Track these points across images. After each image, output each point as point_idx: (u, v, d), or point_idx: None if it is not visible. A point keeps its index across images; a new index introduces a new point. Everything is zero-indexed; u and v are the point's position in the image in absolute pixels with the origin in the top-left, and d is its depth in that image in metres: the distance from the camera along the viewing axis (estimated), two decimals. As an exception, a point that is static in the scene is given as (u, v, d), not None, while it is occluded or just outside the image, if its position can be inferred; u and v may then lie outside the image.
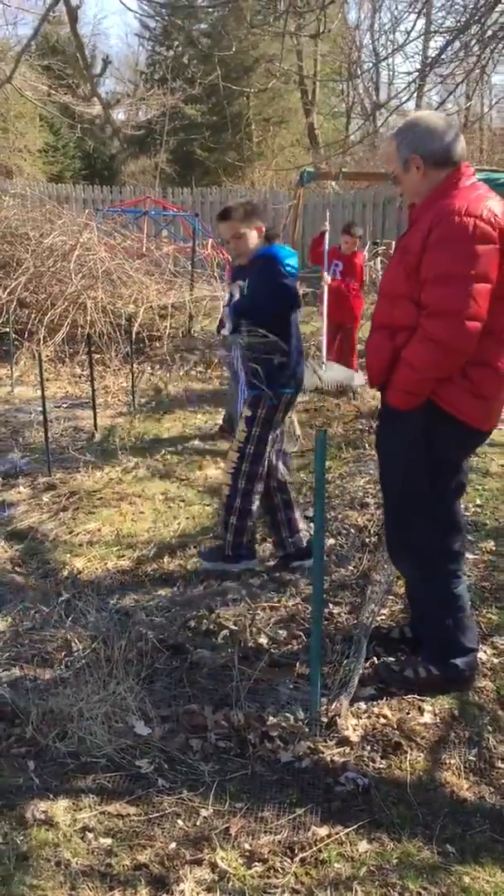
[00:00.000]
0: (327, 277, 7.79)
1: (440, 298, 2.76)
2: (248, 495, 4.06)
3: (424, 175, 2.89)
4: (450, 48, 7.12)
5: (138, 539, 4.56)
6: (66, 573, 4.17)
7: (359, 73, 17.21)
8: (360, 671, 3.17)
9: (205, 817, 2.54)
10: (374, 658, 3.34)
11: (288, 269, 3.82)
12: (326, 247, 7.82)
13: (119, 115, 24.90)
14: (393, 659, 3.32)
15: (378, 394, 3.25)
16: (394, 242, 9.29)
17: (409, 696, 3.11)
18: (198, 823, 2.52)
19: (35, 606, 3.82)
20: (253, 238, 3.89)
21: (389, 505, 3.23)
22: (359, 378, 7.55)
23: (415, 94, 8.73)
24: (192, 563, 4.29)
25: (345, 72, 22.11)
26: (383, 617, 3.71)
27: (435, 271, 2.76)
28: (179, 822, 2.52)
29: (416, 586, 3.28)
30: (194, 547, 4.44)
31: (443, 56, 7.16)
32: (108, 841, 2.45)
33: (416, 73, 8.14)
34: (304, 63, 22.22)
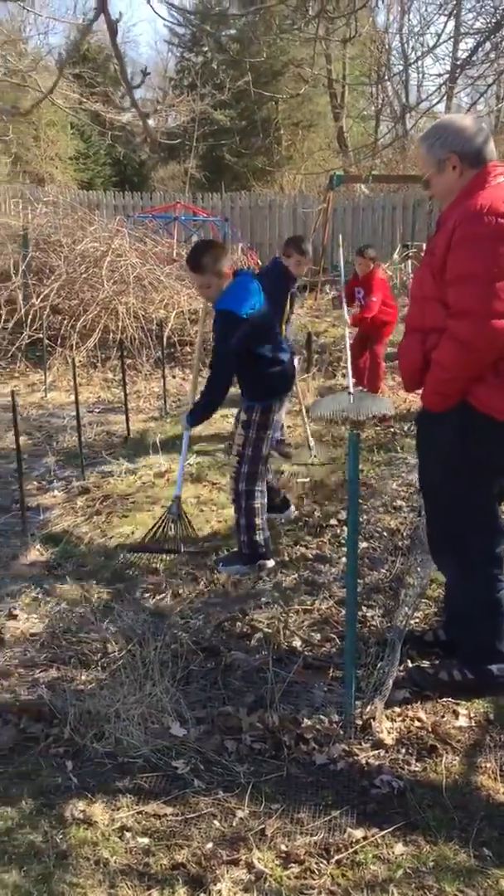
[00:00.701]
0: (345, 315, 7.71)
1: (463, 298, 2.77)
2: (251, 495, 4.26)
3: (461, 174, 2.89)
4: (480, 50, 7.10)
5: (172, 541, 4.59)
6: (100, 576, 4.22)
7: (388, 76, 17.17)
8: (394, 674, 3.17)
9: (241, 818, 2.56)
10: (408, 661, 3.34)
11: (241, 313, 4.00)
12: (342, 284, 7.75)
13: (149, 121, 25.10)
14: (427, 662, 3.32)
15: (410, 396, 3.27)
16: (424, 245, 9.26)
17: (444, 699, 3.11)
18: (234, 824, 2.54)
19: (71, 609, 3.87)
20: (217, 285, 4.09)
21: (429, 505, 3.24)
22: (389, 405, 7.46)
23: (445, 97, 8.72)
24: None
25: (374, 75, 22.07)
26: (417, 620, 3.71)
27: (457, 271, 2.77)
28: (216, 822, 2.54)
29: (455, 588, 3.28)
30: (226, 550, 4.47)
31: (473, 58, 7.15)
32: (146, 840, 2.48)
33: (447, 76, 8.13)
34: (333, 66, 22.24)
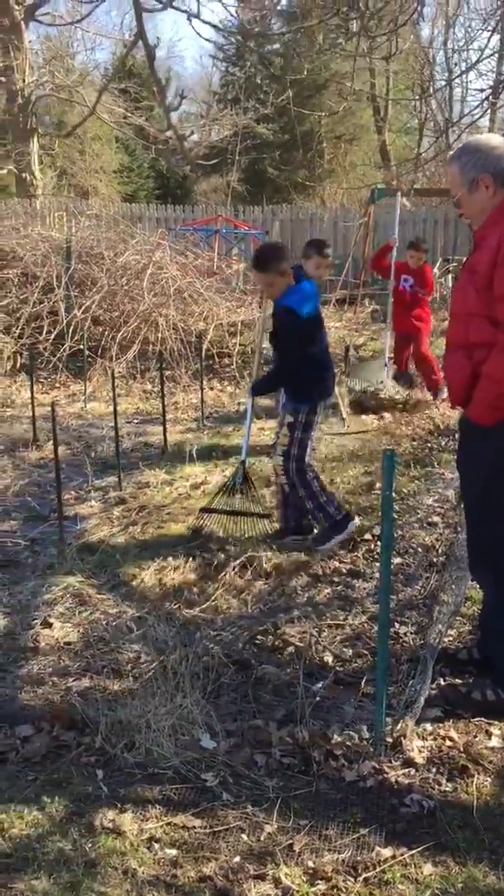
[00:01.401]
0: (391, 282, 7.88)
1: None
2: (304, 478, 4.61)
3: (494, 193, 2.91)
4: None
5: (206, 553, 4.61)
6: (135, 586, 4.25)
7: (431, 90, 17.14)
8: (426, 692, 3.15)
9: (269, 833, 2.55)
10: (441, 679, 3.31)
11: (302, 313, 4.41)
12: (393, 260, 7.85)
13: (193, 135, 25.35)
14: (460, 681, 3.29)
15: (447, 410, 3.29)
16: (465, 259, 9.23)
17: (477, 719, 3.08)
18: (262, 838, 2.53)
19: (105, 619, 3.90)
20: (280, 283, 4.46)
21: (471, 520, 3.23)
22: (383, 373, 7.66)
23: (487, 111, 8.70)
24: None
25: (417, 89, 22.06)
26: (451, 638, 3.68)
27: None
28: (244, 836, 2.55)
29: (493, 606, 3.24)
30: (265, 560, 4.47)
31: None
32: (174, 852, 2.49)
33: (490, 90, 8.09)
34: (377, 81, 22.26)
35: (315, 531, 4.78)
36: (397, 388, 7.81)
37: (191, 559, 4.50)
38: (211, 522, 4.82)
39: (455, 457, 6.16)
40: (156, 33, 37.99)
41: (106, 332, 9.53)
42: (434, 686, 3.24)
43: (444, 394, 7.61)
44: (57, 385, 9.12)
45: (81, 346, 8.96)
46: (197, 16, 3.94)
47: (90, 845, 2.50)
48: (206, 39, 28.03)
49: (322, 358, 4.65)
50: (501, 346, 2.83)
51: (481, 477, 3.05)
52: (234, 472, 4.94)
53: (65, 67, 20.18)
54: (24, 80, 18.42)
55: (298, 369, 4.53)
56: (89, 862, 2.44)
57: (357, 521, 4.71)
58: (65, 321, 9.39)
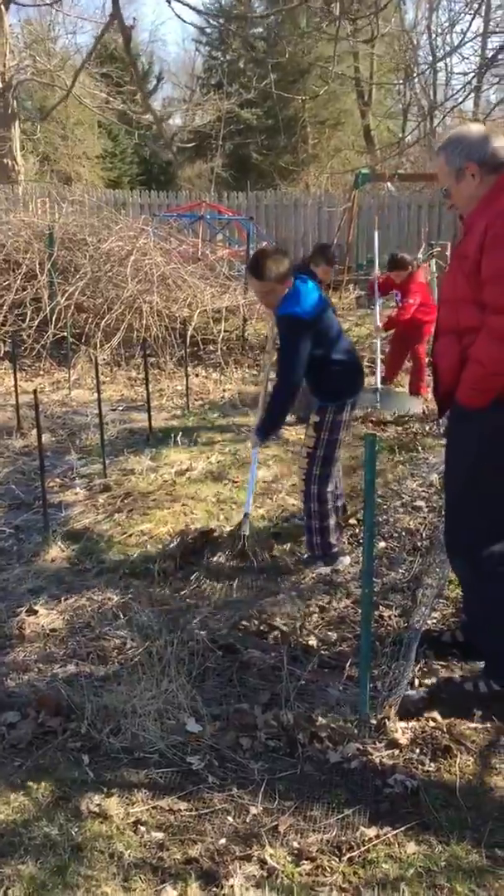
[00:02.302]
0: (378, 324, 7.79)
1: (500, 295, 2.80)
2: (322, 497, 4.23)
3: (481, 181, 2.93)
4: (506, 48, 7.06)
5: (191, 539, 4.62)
6: (120, 573, 4.26)
7: (415, 74, 17.10)
8: (410, 674, 3.18)
9: (254, 815, 2.58)
10: (424, 661, 3.34)
11: (305, 316, 3.99)
12: (376, 274, 7.79)
13: (176, 120, 25.20)
14: (443, 663, 3.32)
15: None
16: (449, 245, 9.21)
17: (458, 699, 3.10)
18: (247, 820, 2.56)
19: (90, 605, 3.91)
20: (279, 291, 4.06)
21: (450, 504, 3.22)
22: (417, 404, 7.38)
23: (470, 95, 8.68)
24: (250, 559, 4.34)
25: (401, 73, 21.99)
26: (434, 620, 3.71)
27: (493, 269, 2.80)
28: (229, 818, 2.57)
29: (472, 594, 3.23)
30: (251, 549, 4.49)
31: (500, 56, 7.11)
32: (160, 835, 2.50)
33: (473, 74, 8.08)
34: (361, 64, 22.17)
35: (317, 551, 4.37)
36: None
37: (176, 546, 4.50)
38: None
39: (438, 441, 6.21)
40: (138, 17, 37.67)
41: (90, 319, 9.49)
42: (418, 668, 3.27)
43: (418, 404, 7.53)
44: (41, 373, 9.08)
45: (65, 334, 8.92)
46: (177, -2, 3.90)
47: (76, 829, 2.52)
48: (188, 22, 27.72)
49: (346, 353, 4.21)
50: (487, 329, 2.85)
51: (463, 462, 3.06)
52: (240, 523, 4.52)
53: (46, 51, 19.98)
54: (4, 65, 18.22)
55: (317, 373, 4.12)
56: (76, 846, 2.45)
57: (348, 560, 4.34)
58: (48, 308, 9.34)
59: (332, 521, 4.29)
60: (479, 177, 2.93)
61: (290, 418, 6.25)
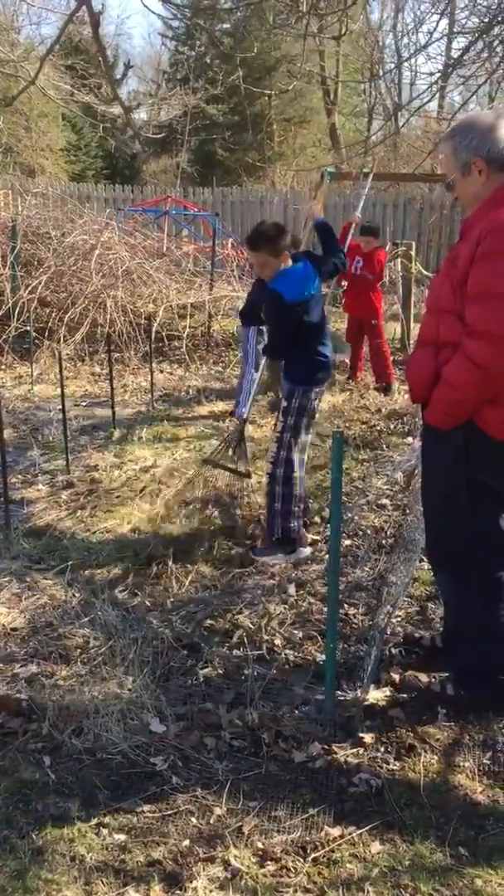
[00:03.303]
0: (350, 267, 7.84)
1: (479, 317, 2.64)
2: (288, 480, 4.31)
3: (488, 178, 2.73)
4: (472, 49, 7.10)
5: (155, 537, 4.58)
6: (83, 571, 4.20)
7: (381, 73, 17.16)
8: (375, 673, 3.17)
9: (218, 815, 2.55)
10: (391, 661, 3.34)
11: (288, 298, 4.12)
12: (349, 239, 7.81)
13: (141, 114, 25.00)
14: (411, 657, 3.32)
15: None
16: (413, 244, 9.25)
17: (424, 698, 3.11)
18: (211, 821, 2.53)
19: (53, 604, 3.85)
20: (274, 264, 4.21)
21: (429, 522, 3.15)
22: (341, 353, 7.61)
23: (435, 95, 8.71)
24: (211, 561, 4.32)
25: (367, 72, 22.05)
26: (399, 618, 3.71)
27: (477, 287, 2.64)
28: (193, 819, 2.54)
29: (452, 605, 3.19)
30: (209, 545, 4.46)
31: (465, 57, 7.15)
32: (122, 837, 2.47)
33: (439, 74, 8.12)
34: (327, 63, 22.18)
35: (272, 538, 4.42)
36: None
37: (141, 543, 4.46)
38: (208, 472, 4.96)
39: (403, 440, 6.23)
40: (103, 8, 37.26)
41: (53, 314, 9.36)
42: (385, 669, 3.27)
43: (391, 392, 7.65)
44: (2, 367, 8.94)
45: (28, 328, 8.80)
46: (144, -11, 3.84)
47: (37, 832, 2.47)
48: (154, 12, 27.41)
49: (318, 339, 4.33)
50: (464, 351, 2.68)
51: (439, 482, 2.98)
52: (235, 428, 4.87)
53: (9, 41, 19.68)
54: (-34, 54, 17.92)
55: (293, 357, 4.29)
56: (36, 849, 2.41)
57: (308, 550, 4.39)
58: (10, 302, 9.20)
59: (295, 508, 4.34)
60: (485, 174, 2.71)
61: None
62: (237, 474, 4.93)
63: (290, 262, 4.23)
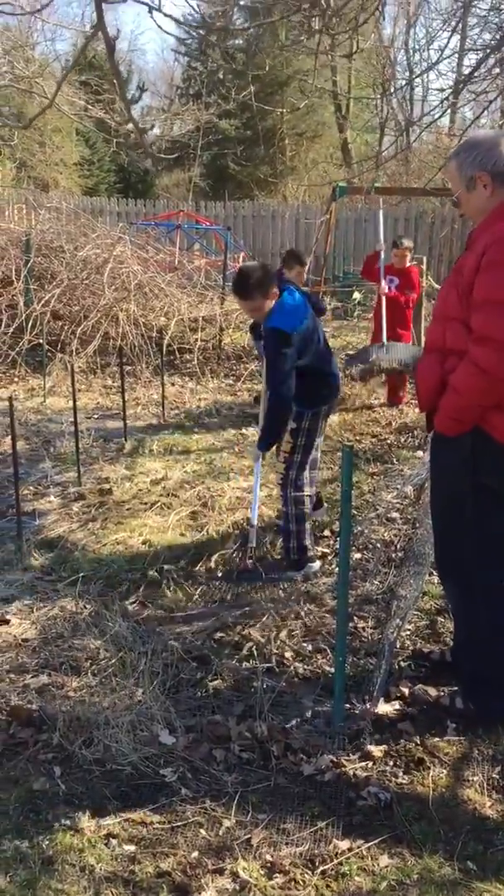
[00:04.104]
0: (384, 287, 7.61)
1: (486, 324, 2.71)
2: (300, 501, 4.34)
3: (493, 193, 2.81)
4: (483, 66, 7.14)
5: (166, 549, 4.61)
6: (94, 582, 4.23)
7: (392, 89, 17.27)
8: (384, 686, 3.18)
9: (227, 827, 2.56)
10: (401, 675, 3.34)
11: (290, 331, 4.04)
12: (382, 264, 7.63)
13: (155, 129, 25.21)
14: (421, 675, 3.32)
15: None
16: (425, 258, 9.28)
17: (433, 712, 3.11)
18: (220, 833, 2.54)
19: (64, 615, 3.88)
20: (267, 305, 4.12)
21: (436, 528, 3.19)
22: (417, 351, 7.35)
23: (446, 111, 8.76)
24: (220, 573, 4.33)
25: (379, 87, 22.19)
26: (408, 632, 3.72)
27: (483, 295, 2.71)
28: (202, 831, 2.55)
29: (459, 614, 3.20)
30: (220, 558, 4.47)
31: (476, 73, 7.19)
32: (132, 848, 2.48)
33: (450, 90, 8.16)
34: (339, 78, 22.32)
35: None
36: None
37: (150, 555, 4.49)
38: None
39: (413, 454, 6.24)
40: (117, 25, 37.63)
41: (66, 327, 9.43)
42: (395, 682, 3.27)
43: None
44: (15, 379, 9.01)
45: (41, 341, 8.87)
46: (158, 8, 3.90)
47: (47, 843, 2.49)
48: (168, 33, 27.77)
49: (323, 361, 4.33)
50: (470, 358, 2.75)
51: (447, 487, 3.02)
52: (248, 535, 4.48)
53: (24, 58, 19.90)
54: (-18, 71, 18.12)
55: (298, 382, 4.13)
56: (46, 859, 2.42)
57: (317, 564, 4.39)
58: (24, 315, 9.28)
59: (307, 525, 4.38)
60: (490, 188, 2.80)
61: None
62: (271, 580, 4.37)
63: (277, 295, 4.15)
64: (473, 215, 2.92)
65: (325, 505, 5.02)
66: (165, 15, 4.10)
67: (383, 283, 7.62)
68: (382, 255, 7.66)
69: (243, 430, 6.98)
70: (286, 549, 4.40)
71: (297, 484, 4.33)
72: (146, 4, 3.91)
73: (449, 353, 2.87)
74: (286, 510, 4.36)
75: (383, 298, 7.66)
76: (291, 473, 4.32)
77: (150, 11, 3.89)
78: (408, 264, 7.86)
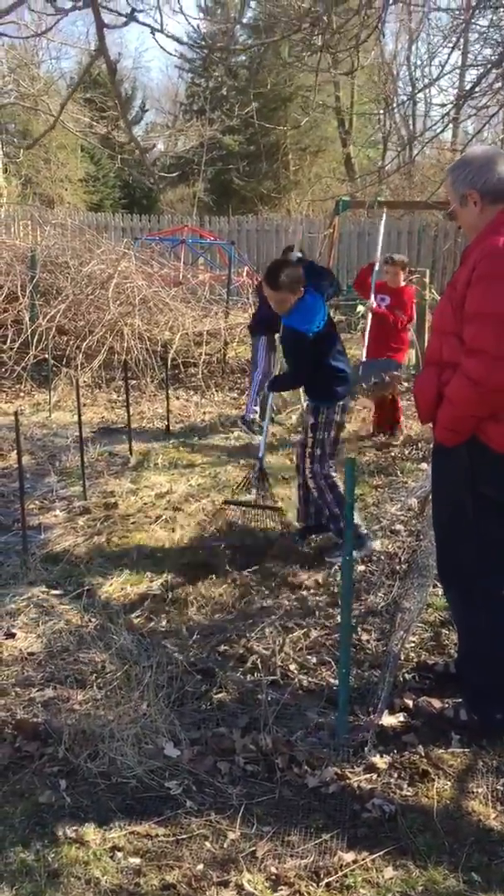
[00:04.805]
0: (372, 301, 7.13)
1: (477, 336, 2.78)
2: (333, 484, 4.63)
3: (482, 210, 2.88)
4: (484, 81, 7.19)
5: (171, 563, 4.62)
6: (99, 596, 4.24)
7: (394, 105, 17.38)
8: (389, 699, 3.19)
9: (232, 840, 2.57)
10: (405, 687, 3.35)
11: (308, 332, 4.44)
12: (374, 278, 7.20)
13: (159, 145, 25.39)
14: (424, 686, 3.32)
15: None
16: (427, 272, 9.31)
17: (437, 724, 3.11)
18: (225, 846, 2.55)
19: (69, 629, 3.89)
20: (291, 301, 4.50)
21: (439, 536, 3.22)
22: (395, 364, 7.04)
23: (448, 126, 8.81)
24: (224, 586, 4.35)
25: (381, 102, 22.31)
26: (413, 644, 3.72)
27: (473, 308, 2.78)
28: (207, 843, 2.56)
29: (462, 624, 3.21)
30: (226, 572, 4.49)
31: (477, 89, 7.24)
32: (137, 861, 2.49)
33: (451, 106, 8.21)
34: (341, 94, 22.46)
35: (323, 535, 4.87)
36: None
37: (155, 568, 4.50)
38: (232, 514, 5.11)
39: (417, 466, 6.25)
40: (122, 44, 38.10)
41: (71, 342, 9.50)
42: (399, 695, 3.28)
43: (399, 436, 7.18)
44: (21, 394, 9.06)
45: (46, 356, 8.93)
46: (161, 30, 3.96)
47: (53, 855, 2.50)
48: (170, 53, 27.95)
49: (332, 355, 4.62)
50: (462, 369, 2.81)
51: (448, 497, 3.06)
52: (252, 467, 5.11)
53: (30, 76, 20.09)
54: (-12, 89, 18.29)
55: (314, 378, 4.63)
56: (52, 872, 2.43)
57: (377, 543, 4.72)
58: (29, 330, 9.35)
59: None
60: (479, 206, 2.87)
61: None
62: (266, 509, 5.04)
63: (302, 293, 4.48)
64: (467, 230, 3.01)
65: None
66: (168, 36, 4.15)
67: (372, 298, 7.19)
68: (376, 268, 7.29)
69: (246, 441, 7.00)
70: (332, 525, 4.64)
71: (325, 472, 4.62)
72: (148, 26, 3.97)
73: (445, 366, 2.93)
74: (326, 498, 4.61)
75: (369, 315, 7.24)
76: (316, 467, 4.61)
77: (152, 33, 3.95)
78: (402, 283, 7.28)
